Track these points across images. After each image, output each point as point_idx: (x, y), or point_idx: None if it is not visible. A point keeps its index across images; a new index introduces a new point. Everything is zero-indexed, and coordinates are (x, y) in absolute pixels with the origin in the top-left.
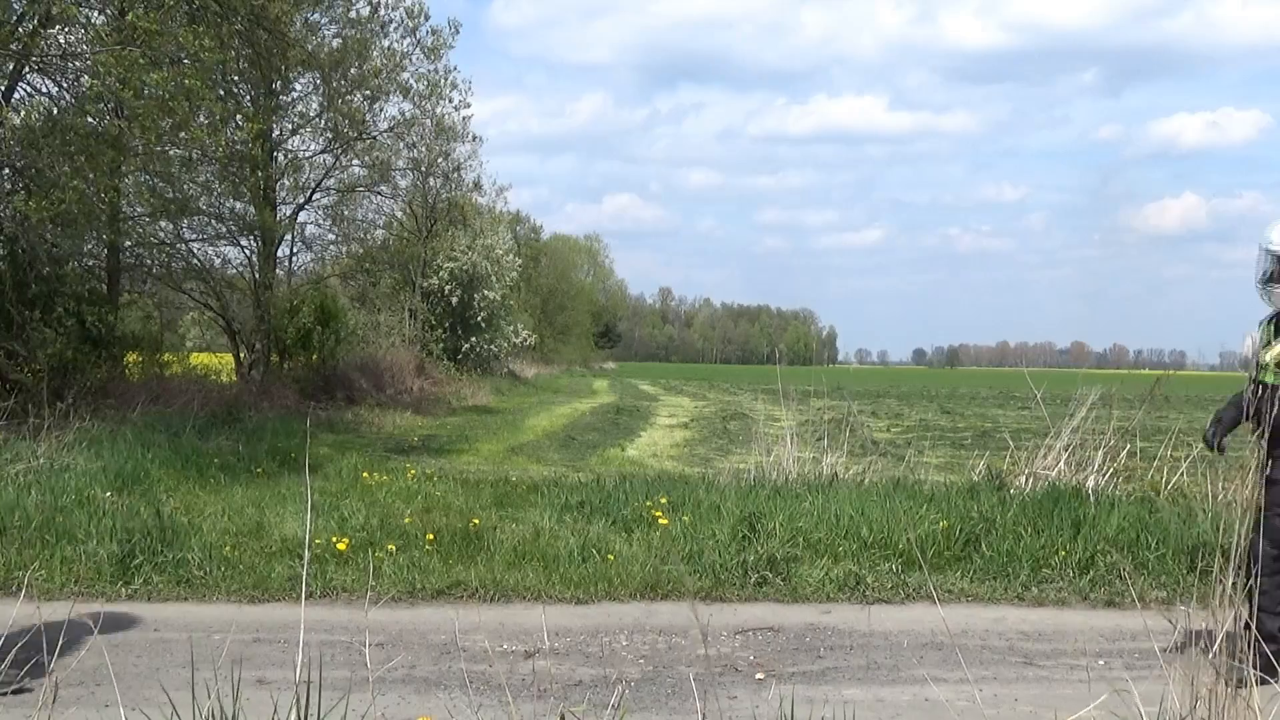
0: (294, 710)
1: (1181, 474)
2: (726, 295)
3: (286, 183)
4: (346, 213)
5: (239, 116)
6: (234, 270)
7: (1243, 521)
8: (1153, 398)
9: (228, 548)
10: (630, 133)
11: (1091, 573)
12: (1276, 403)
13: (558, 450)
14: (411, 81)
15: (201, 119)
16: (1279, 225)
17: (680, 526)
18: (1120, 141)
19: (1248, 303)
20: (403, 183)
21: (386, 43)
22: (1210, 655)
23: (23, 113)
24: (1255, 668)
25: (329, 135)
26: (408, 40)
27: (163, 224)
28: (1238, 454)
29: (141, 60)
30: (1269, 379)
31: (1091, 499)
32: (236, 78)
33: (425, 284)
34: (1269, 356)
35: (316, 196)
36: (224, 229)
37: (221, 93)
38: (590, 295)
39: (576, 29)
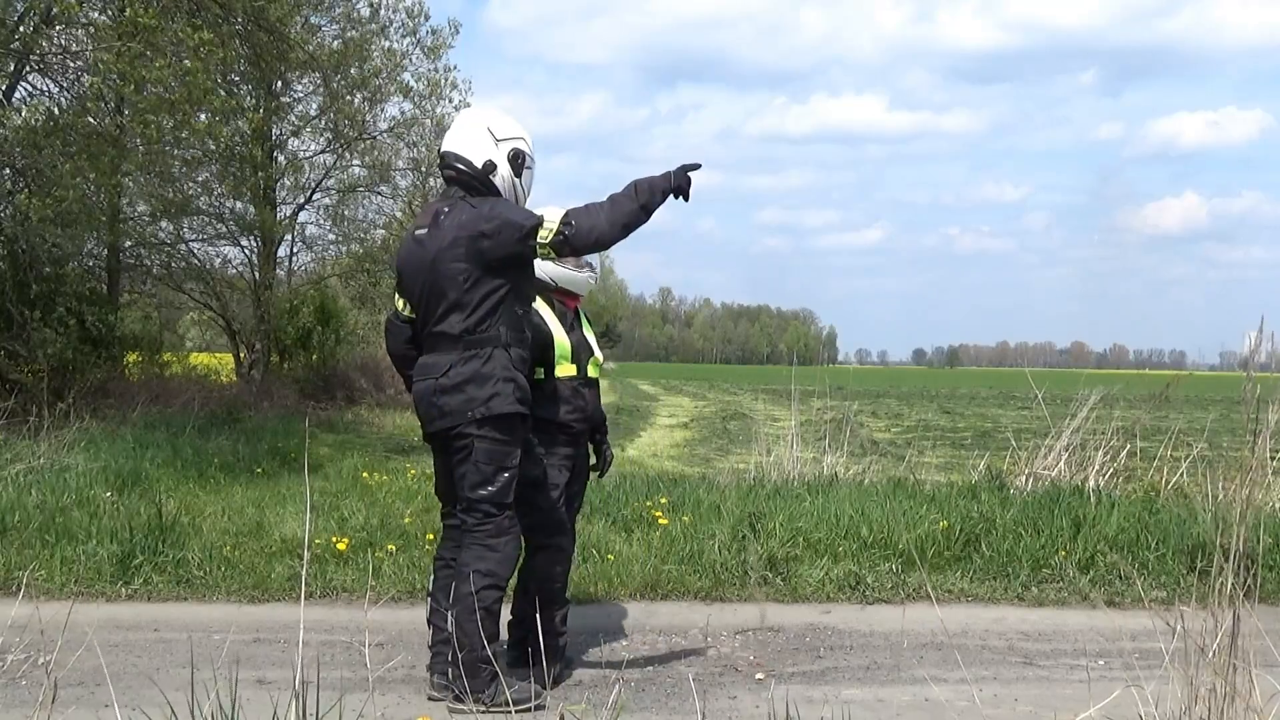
0: (294, 710)
1: (1181, 474)
2: (726, 295)
3: (286, 183)
4: (347, 213)
5: (240, 119)
6: (234, 270)
7: (1242, 521)
8: (1165, 399)
9: (228, 548)
10: (629, 132)
11: (1091, 573)
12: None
13: None
14: (412, 82)
15: (202, 117)
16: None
17: (680, 526)
18: (1120, 141)
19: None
20: (403, 183)
21: (387, 43)
22: (1210, 655)
23: (23, 112)
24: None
25: (329, 135)
26: (408, 40)
27: (163, 224)
28: (1238, 454)
29: (143, 52)
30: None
31: (1091, 499)
32: (237, 78)
33: None
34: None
35: (316, 196)
36: (224, 229)
37: (223, 93)
38: (590, 295)
39: (575, 29)
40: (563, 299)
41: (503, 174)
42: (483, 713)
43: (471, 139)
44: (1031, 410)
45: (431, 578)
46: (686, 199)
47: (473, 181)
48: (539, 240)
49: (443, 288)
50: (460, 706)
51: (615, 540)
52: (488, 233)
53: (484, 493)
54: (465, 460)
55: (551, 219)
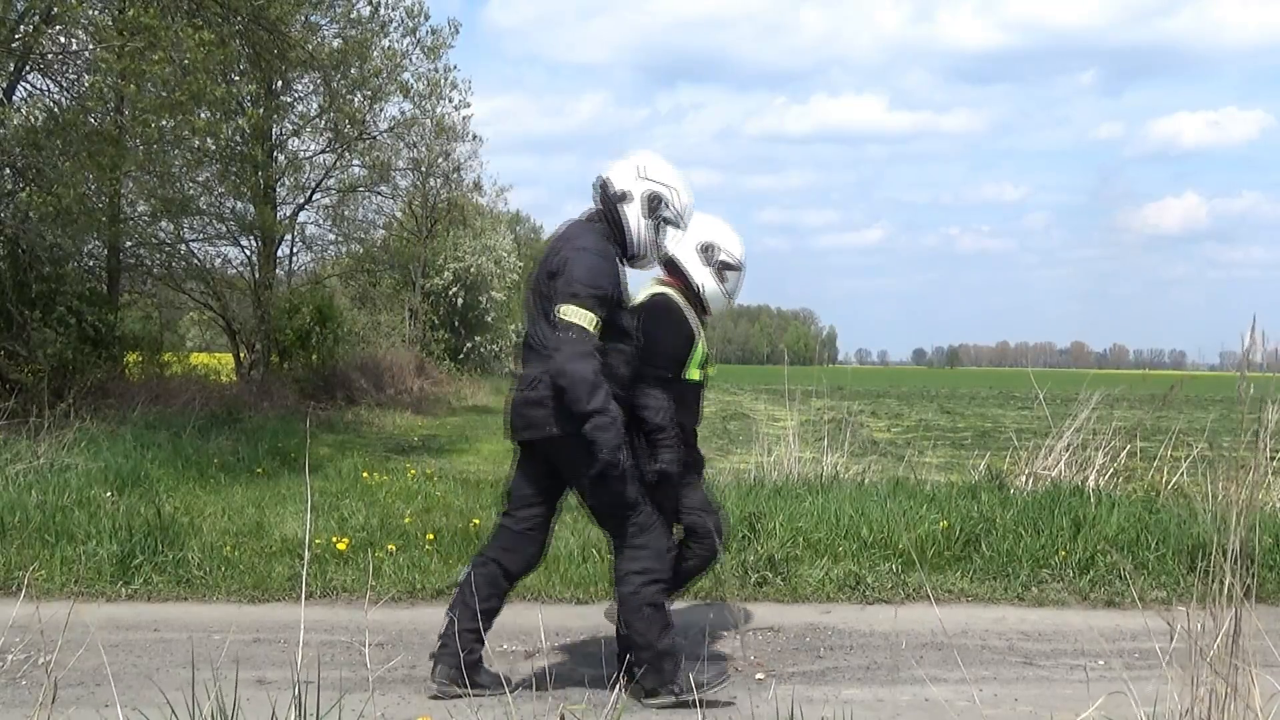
0: (294, 710)
1: (1181, 474)
2: None
3: (287, 183)
4: (347, 213)
5: (240, 118)
6: (234, 270)
7: (1242, 521)
8: (1168, 400)
9: (228, 548)
10: (630, 132)
11: (1091, 573)
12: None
13: None
14: (412, 81)
15: (203, 115)
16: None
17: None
18: (1120, 141)
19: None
20: (403, 183)
21: (386, 43)
22: (1210, 655)
23: (24, 112)
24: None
25: (329, 135)
26: (408, 40)
27: (163, 224)
28: (1238, 453)
29: (142, 47)
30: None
31: (1092, 499)
32: (237, 76)
33: (427, 284)
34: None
35: (316, 196)
36: (224, 229)
37: (223, 85)
38: None
39: (574, 29)
40: (699, 310)
41: (635, 209)
42: (673, 704)
43: (622, 168)
44: (1032, 410)
45: (466, 569)
46: (604, 478)
47: (605, 205)
48: (557, 309)
49: (534, 301)
50: (457, 694)
51: None
52: (552, 267)
53: (609, 499)
54: (580, 472)
55: (575, 315)
